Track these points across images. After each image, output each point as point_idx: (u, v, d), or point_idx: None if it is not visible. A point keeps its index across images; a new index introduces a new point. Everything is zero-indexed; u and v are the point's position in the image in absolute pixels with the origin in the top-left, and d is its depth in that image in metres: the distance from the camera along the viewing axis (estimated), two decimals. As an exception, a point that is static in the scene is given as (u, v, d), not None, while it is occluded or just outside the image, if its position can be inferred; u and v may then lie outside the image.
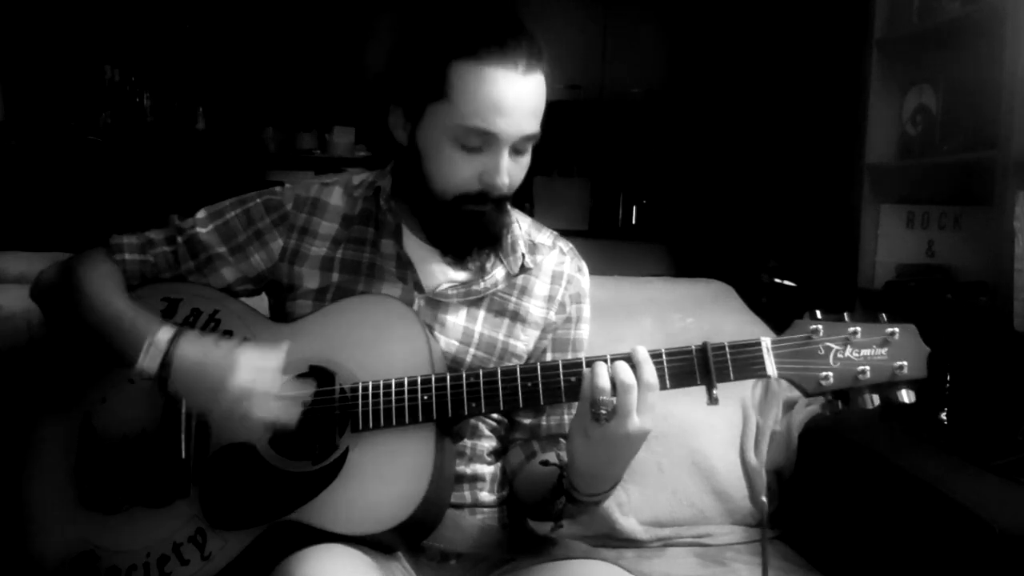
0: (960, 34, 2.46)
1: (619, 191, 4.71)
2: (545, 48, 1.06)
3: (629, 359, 0.97)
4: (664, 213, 4.64)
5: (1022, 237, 2.02)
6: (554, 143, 1.27)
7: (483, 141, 1.04)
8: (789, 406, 1.70)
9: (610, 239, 4.27)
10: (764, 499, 1.05)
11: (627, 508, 1.57)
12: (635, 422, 0.94)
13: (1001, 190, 2.12)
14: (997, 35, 2.18)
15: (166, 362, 1.01)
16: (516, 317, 1.18)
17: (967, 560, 1.24)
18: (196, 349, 1.02)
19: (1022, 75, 2.09)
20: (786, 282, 3.22)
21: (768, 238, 3.83)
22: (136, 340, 1.02)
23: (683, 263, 4.24)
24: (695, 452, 1.60)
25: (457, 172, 1.06)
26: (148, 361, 1.01)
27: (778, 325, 1.77)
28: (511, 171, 1.07)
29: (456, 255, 1.14)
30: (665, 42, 4.60)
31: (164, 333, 1.03)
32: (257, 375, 1.00)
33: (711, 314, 1.77)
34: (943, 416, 1.80)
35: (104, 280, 1.11)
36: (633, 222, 4.71)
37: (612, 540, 1.54)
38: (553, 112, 1.11)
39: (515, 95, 1.02)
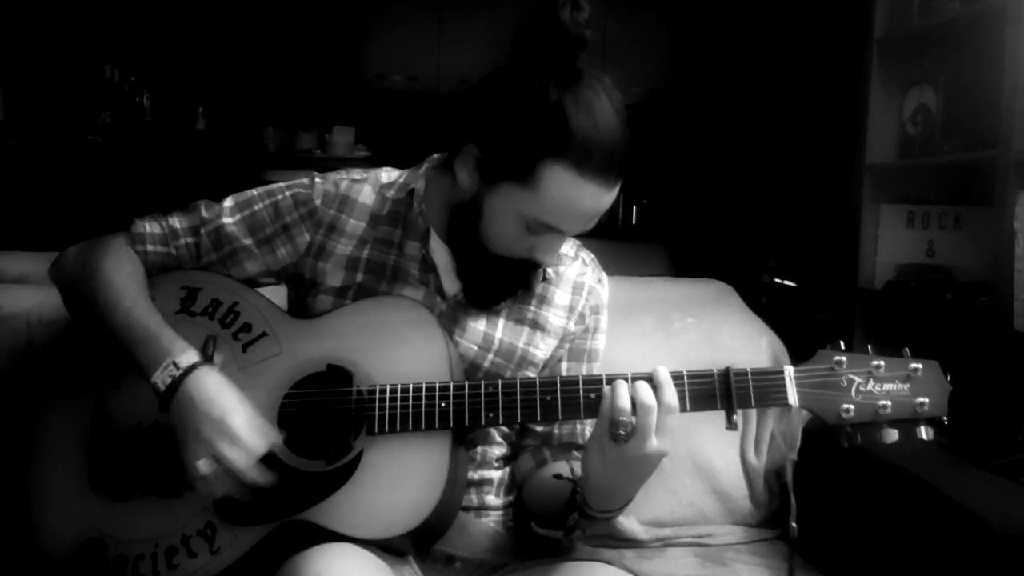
0: (960, 34, 2.46)
1: (619, 191, 4.70)
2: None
3: (650, 379, 0.96)
4: (664, 213, 4.64)
5: (1022, 237, 2.02)
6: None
7: (549, 231, 1.04)
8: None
9: (610, 239, 4.27)
10: (793, 502, 1.05)
11: (627, 508, 1.56)
12: (653, 444, 0.93)
13: (1001, 190, 2.12)
14: (997, 35, 2.18)
15: (175, 386, 1.00)
16: (535, 326, 1.17)
17: (967, 560, 1.24)
18: (208, 386, 1.00)
19: (1022, 75, 2.09)
20: (786, 282, 3.22)
21: (768, 238, 3.83)
22: (156, 355, 1.01)
23: (683, 263, 4.24)
24: (695, 452, 1.60)
25: (511, 245, 1.06)
26: (161, 379, 1.00)
27: (778, 325, 1.79)
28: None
29: (483, 306, 1.14)
30: (665, 42, 4.61)
31: (187, 358, 1.01)
32: (232, 450, 0.98)
33: (711, 314, 1.77)
34: (943, 416, 1.80)
35: (128, 281, 1.09)
36: (633, 222, 4.71)
37: (612, 540, 1.54)
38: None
39: (598, 206, 1.02)
